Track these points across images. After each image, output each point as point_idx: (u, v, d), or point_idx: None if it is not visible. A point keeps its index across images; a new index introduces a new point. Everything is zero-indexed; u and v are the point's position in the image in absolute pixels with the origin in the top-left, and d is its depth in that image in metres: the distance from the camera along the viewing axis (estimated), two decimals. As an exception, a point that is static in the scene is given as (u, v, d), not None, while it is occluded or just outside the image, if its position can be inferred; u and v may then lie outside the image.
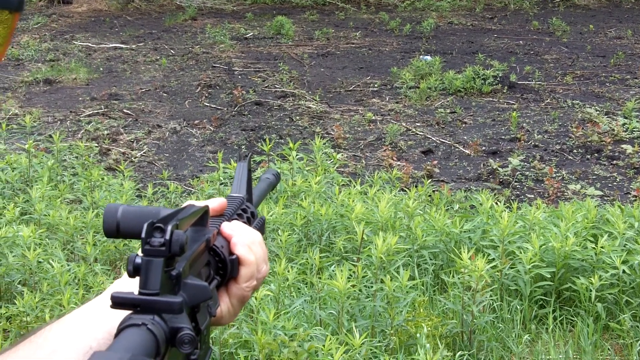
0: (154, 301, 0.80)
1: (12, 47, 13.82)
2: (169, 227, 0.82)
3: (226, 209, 1.16)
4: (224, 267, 1.05)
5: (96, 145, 8.55)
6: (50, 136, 7.98)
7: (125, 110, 10.22)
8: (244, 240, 1.08)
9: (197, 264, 0.95)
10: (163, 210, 0.90)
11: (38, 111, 10.00)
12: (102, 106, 10.39)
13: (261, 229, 1.22)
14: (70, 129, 9.34)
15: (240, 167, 1.31)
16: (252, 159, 1.40)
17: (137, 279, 0.83)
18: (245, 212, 1.22)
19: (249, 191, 1.28)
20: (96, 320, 1.01)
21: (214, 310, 0.95)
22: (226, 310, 1.08)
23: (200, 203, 1.04)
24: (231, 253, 1.06)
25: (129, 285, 0.91)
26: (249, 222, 1.20)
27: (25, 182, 6.59)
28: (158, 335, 0.78)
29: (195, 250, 0.94)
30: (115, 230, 0.90)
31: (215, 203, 1.12)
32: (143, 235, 0.82)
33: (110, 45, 14.46)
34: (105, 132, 9.19)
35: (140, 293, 0.81)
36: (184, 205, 0.96)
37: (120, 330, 0.79)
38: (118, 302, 0.81)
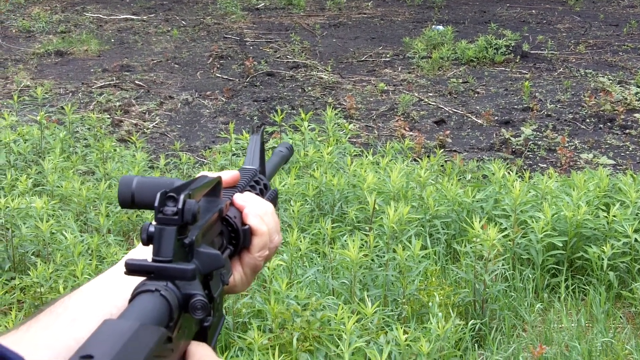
0: (167, 268, 0.81)
1: (23, 18, 13.82)
2: (182, 196, 0.82)
3: (239, 180, 1.17)
4: (237, 236, 1.06)
5: (108, 116, 8.57)
6: (62, 108, 8.00)
7: (137, 82, 10.22)
8: (256, 210, 1.09)
9: (210, 233, 0.96)
10: (177, 182, 0.91)
11: (50, 83, 10.01)
12: (114, 78, 10.38)
13: (273, 200, 1.23)
14: (82, 101, 9.36)
15: (254, 139, 1.31)
16: (264, 131, 1.42)
17: (151, 247, 0.84)
18: (258, 184, 1.23)
19: (262, 163, 1.29)
20: (115, 288, 1.02)
21: (227, 279, 0.96)
22: (239, 279, 1.10)
23: (213, 174, 1.05)
24: (244, 223, 1.07)
25: (144, 254, 0.92)
26: (261, 193, 1.21)
27: (37, 153, 6.62)
28: (171, 301, 0.79)
29: (208, 219, 0.95)
30: (130, 201, 0.91)
31: (228, 175, 1.14)
32: (156, 204, 0.83)
33: (122, 16, 14.42)
34: (117, 103, 9.20)
35: (153, 260, 0.82)
36: (197, 176, 0.97)
37: (134, 296, 0.80)
38: (132, 269, 0.82)
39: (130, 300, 0.80)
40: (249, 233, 1.07)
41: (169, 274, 0.81)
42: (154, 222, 0.84)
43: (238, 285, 1.10)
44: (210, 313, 0.90)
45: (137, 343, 0.67)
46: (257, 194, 1.18)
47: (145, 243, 0.84)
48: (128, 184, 0.91)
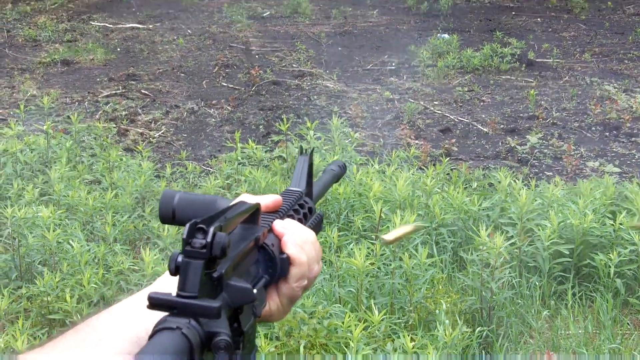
0: (191, 304, 0.79)
1: (29, 27, 13.88)
2: (212, 229, 0.80)
3: (281, 204, 1.13)
4: (274, 265, 1.02)
5: (114, 125, 8.59)
6: (69, 117, 8.02)
7: (143, 91, 10.25)
8: (295, 239, 1.05)
9: (244, 263, 0.94)
10: (220, 200, 0.89)
11: (56, 92, 10.05)
12: (120, 87, 10.42)
13: (317, 226, 1.20)
14: (88, 110, 9.39)
15: (302, 160, 1.27)
16: (313, 153, 1.37)
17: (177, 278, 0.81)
18: (303, 207, 1.19)
19: (309, 186, 1.25)
20: (144, 310, 0.99)
21: (259, 311, 0.94)
22: (275, 308, 1.06)
23: (254, 198, 1.03)
24: (282, 252, 1.04)
25: (169, 284, 0.89)
26: (305, 218, 1.18)
27: (44, 163, 6.64)
28: (193, 340, 0.77)
29: (242, 249, 0.92)
30: (171, 216, 0.89)
31: (269, 200, 1.10)
32: (184, 235, 0.80)
33: (128, 25, 14.47)
34: (123, 112, 9.23)
35: (177, 295, 0.80)
36: (238, 199, 0.93)
37: (155, 332, 0.77)
38: (155, 303, 0.80)
39: (150, 337, 0.77)
40: (287, 262, 1.03)
41: (192, 310, 0.79)
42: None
43: (274, 315, 1.07)
44: (239, 346, 0.88)
45: None
46: (300, 218, 1.15)
47: (173, 273, 0.82)
48: (170, 199, 0.88)
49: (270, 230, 1.05)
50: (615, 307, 4.48)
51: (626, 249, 4.74)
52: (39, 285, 4.23)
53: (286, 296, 1.05)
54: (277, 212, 1.11)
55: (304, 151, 1.28)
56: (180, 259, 0.81)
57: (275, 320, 1.08)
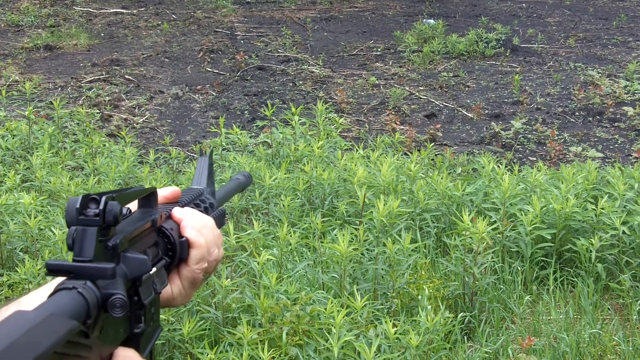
0: (86, 267, 0.81)
1: (12, 12, 13.76)
2: (104, 198, 0.83)
3: (181, 197, 1.18)
4: (173, 248, 1.06)
5: (97, 111, 8.54)
6: (51, 103, 7.97)
7: (126, 76, 10.19)
8: (194, 223, 1.10)
9: (141, 242, 0.97)
10: None
11: (38, 78, 9.97)
12: (104, 72, 10.36)
13: (219, 218, 1.24)
14: (71, 96, 9.33)
15: (202, 161, 1.33)
16: (213, 153, 1.43)
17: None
18: (204, 202, 1.24)
19: (210, 185, 1.31)
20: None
21: (160, 288, 0.96)
22: (177, 291, 1.10)
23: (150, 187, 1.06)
24: (181, 236, 1.08)
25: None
26: (206, 211, 1.22)
27: (25, 149, 6.60)
28: (89, 299, 0.79)
29: (138, 227, 0.95)
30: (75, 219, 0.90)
31: (168, 191, 1.15)
32: (77, 205, 0.83)
33: (111, 10, 14.37)
34: (107, 98, 9.17)
35: (74, 260, 0.82)
36: (132, 187, 0.97)
37: (53, 293, 0.79)
38: (52, 268, 0.82)
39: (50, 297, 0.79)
40: (187, 245, 1.08)
41: (88, 273, 0.81)
42: None
43: (177, 298, 1.11)
44: (141, 320, 0.91)
45: (43, 331, 0.66)
46: (200, 211, 1.19)
47: (70, 247, 0.84)
48: (74, 203, 0.89)
49: (170, 216, 1.10)
50: (597, 292, 4.51)
51: (607, 233, 4.76)
52: (20, 272, 4.20)
53: (187, 279, 1.10)
54: (177, 203, 1.16)
55: (203, 152, 1.36)
56: (75, 231, 0.84)
57: (178, 304, 1.12)
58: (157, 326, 0.98)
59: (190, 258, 1.09)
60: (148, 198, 1.03)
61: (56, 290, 0.79)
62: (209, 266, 1.12)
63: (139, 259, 0.89)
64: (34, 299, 1.04)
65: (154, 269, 0.95)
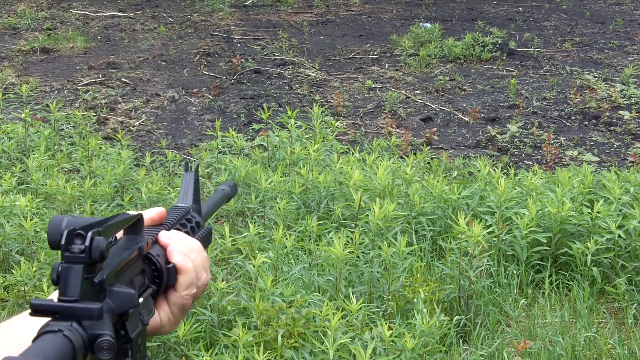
0: (72, 307, 0.79)
1: (9, 15, 13.75)
2: (89, 234, 0.81)
3: (167, 218, 1.15)
4: (160, 275, 1.03)
5: (94, 114, 8.54)
6: (48, 105, 7.96)
7: (123, 79, 10.19)
8: (181, 248, 1.07)
9: (128, 272, 0.94)
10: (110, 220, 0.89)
11: (35, 80, 9.97)
12: (100, 75, 10.35)
13: (205, 238, 1.21)
14: (67, 98, 9.32)
15: (187, 177, 1.29)
16: (199, 169, 1.41)
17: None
18: (190, 221, 1.20)
19: (197, 202, 1.27)
20: (34, 325, 0.95)
21: (147, 319, 0.95)
22: (166, 319, 1.07)
23: (135, 213, 1.03)
24: (168, 262, 1.05)
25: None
26: (192, 231, 1.19)
27: (22, 151, 6.59)
28: (75, 342, 0.77)
29: (125, 257, 0.93)
30: (59, 241, 0.87)
31: (154, 212, 1.12)
32: (62, 242, 0.81)
33: (108, 13, 14.37)
34: (103, 101, 9.17)
35: (59, 300, 0.80)
36: (118, 215, 0.95)
37: (38, 336, 0.77)
38: (37, 309, 0.80)
39: (34, 341, 0.77)
40: (174, 271, 1.05)
41: (74, 313, 0.79)
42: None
43: (165, 325, 1.08)
44: (127, 355, 0.88)
45: None
46: (187, 231, 1.16)
47: (55, 283, 0.82)
48: (58, 224, 0.87)
49: (156, 241, 1.06)
50: (592, 295, 4.52)
51: (603, 237, 4.77)
52: (15, 274, 4.20)
53: (176, 305, 1.07)
54: (163, 225, 1.12)
55: (189, 168, 1.31)
56: (60, 267, 0.81)
57: (167, 331, 1.09)
58: (144, 356, 0.96)
59: (178, 284, 1.06)
60: (134, 225, 1.00)
61: (41, 334, 0.77)
62: (197, 291, 1.09)
63: (126, 293, 0.87)
64: (17, 324, 1.00)
65: (141, 299, 0.93)
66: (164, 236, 1.07)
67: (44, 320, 0.80)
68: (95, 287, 0.83)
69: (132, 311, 0.89)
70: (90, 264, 0.81)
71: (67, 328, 0.77)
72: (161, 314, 1.06)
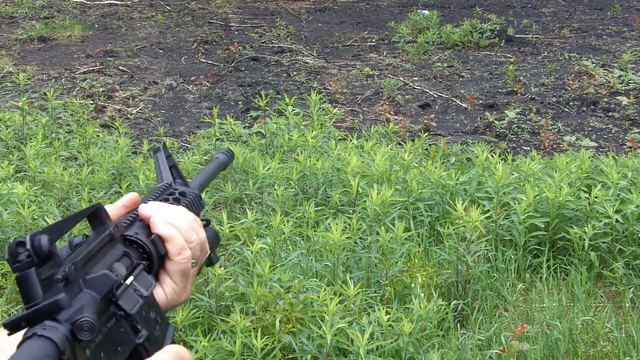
0: (38, 309, 0.79)
1: (6, 4, 13.71)
2: (27, 238, 0.81)
3: (146, 197, 1.15)
4: (146, 250, 1.04)
5: (91, 102, 8.52)
6: (45, 94, 7.94)
7: (120, 67, 10.17)
8: (163, 217, 1.08)
9: (104, 260, 0.93)
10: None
11: (32, 69, 9.95)
12: (98, 63, 10.33)
13: (191, 203, 1.20)
14: (65, 87, 9.30)
15: (158, 158, 1.29)
16: (166, 146, 1.39)
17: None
18: (172, 194, 1.20)
19: (177, 175, 1.27)
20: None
21: (146, 292, 0.95)
22: (171, 289, 1.08)
23: (110, 205, 1.04)
24: (150, 234, 1.06)
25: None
26: (177, 202, 1.19)
27: (19, 139, 6.58)
28: (53, 337, 0.76)
29: (91, 248, 0.92)
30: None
31: (125, 200, 1.12)
32: (7, 257, 0.81)
33: (105, 1, 14.32)
34: (101, 89, 9.15)
35: (26, 308, 0.80)
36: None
37: (18, 346, 0.77)
38: (11, 326, 0.79)
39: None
40: (160, 241, 1.06)
41: (43, 312, 0.79)
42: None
43: (174, 296, 1.08)
44: (138, 331, 0.89)
45: None
46: (171, 204, 1.16)
47: (23, 299, 0.81)
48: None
49: (137, 219, 1.06)
50: (590, 279, 4.52)
51: (601, 222, 4.77)
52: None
53: (175, 272, 1.07)
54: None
55: (157, 149, 1.31)
56: (17, 280, 0.81)
57: (181, 300, 1.09)
58: (166, 327, 0.97)
59: (169, 252, 1.06)
60: (96, 217, 0.98)
61: (18, 345, 0.76)
62: (194, 252, 1.09)
63: (100, 275, 0.87)
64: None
65: (131, 278, 0.93)
66: (145, 210, 1.08)
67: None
68: (61, 282, 0.82)
69: (120, 290, 0.89)
70: (41, 264, 0.81)
71: (39, 329, 0.77)
72: (165, 287, 1.07)
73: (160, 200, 1.16)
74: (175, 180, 1.26)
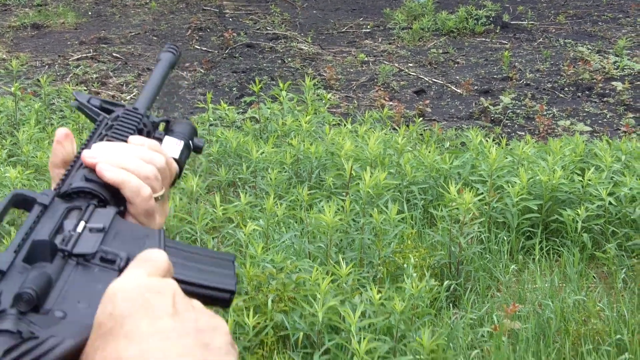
0: None
1: (-1, -8, 13.65)
2: None
3: (86, 142, 1.01)
4: (100, 200, 0.92)
5: (85, 88, 8.50)
6: (38, 80, 7.92)
7: (114, 54, 10.13)
8: (110, 161, 0.94)
9: (44, 228, 0.83)
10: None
11: (26, 56, 9.91)
12: (91, 50, 10.29)
13: (128, 123, 1.06)
14: (58, 73, 9.27)
15: (81, 107, 1.11)
16: (80, 92, 1.18)
17: None
18: (106, 125, 1.05)
19: (113, 106, 1.10)
20: None
21: (104, 224, 0.85)
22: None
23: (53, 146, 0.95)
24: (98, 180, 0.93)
25: None
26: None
27: (12, 125, 6.56)
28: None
29: (26, 228, 0.82)
30: None
31: (56, 136, 0.99)
32: None
33: (99, -11, 14.26)
34: (94, 75, 9.13)
35: None
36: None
37: None
38: None
39: None
40: (111, 188, 0.93)
41: None
42: None
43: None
44: (111, 260, 0.80)
45: None
46: (110, 138, 1.02)
47: None
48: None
49: (73, 168, 0.95)
50: (582, 261, 4.53)
51: (593, 204, 4.78)
52: (6, 245, 4.20)
53: (141, 215, 0.95)
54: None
55: (75, 105, 1.13)
56: None
57: (161, 224, 1.00)
58: (152, 235, 0.89)
59: (127, 197, 0.94)
60: (21, 202, 0.88)
61: None
62: (154, 184, 0.97)
63: (36, 244, 0.78)
64: None
65: (82, 224, 0.84)
66: (88, 155, 0.94)
67: None
68: None
69: (71, 243, 0.80)
70: None
71: None
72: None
73: (101, 139, 1.02)
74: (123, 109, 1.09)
